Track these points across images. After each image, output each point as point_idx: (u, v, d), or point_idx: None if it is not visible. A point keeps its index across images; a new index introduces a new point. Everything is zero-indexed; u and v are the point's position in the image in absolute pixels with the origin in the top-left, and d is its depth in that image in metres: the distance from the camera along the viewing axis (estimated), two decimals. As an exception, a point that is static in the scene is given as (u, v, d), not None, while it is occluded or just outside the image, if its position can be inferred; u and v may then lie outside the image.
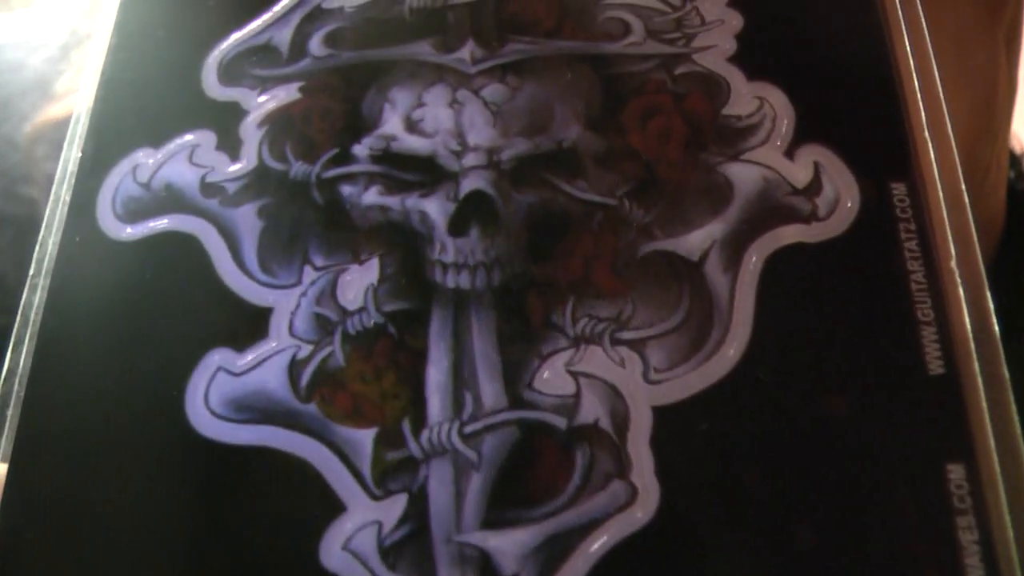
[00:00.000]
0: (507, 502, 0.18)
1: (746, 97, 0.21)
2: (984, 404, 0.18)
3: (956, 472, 0.17)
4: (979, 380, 0.18)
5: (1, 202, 0.52)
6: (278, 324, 0.19)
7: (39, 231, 0.54)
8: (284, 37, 0.23)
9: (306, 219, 0.20)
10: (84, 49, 0.55)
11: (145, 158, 0.22)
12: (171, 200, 0.21)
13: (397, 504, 0.18)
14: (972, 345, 0.18)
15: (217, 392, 0.19)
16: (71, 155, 0.22)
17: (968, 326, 0.19)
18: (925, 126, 0.20)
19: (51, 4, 0.62)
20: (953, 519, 0.17)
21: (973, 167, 0.35)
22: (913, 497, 0.17)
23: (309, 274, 0.20)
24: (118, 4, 0.23)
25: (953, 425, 0.18)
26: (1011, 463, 0.18)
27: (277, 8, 0.23)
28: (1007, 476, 0.17)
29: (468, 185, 0.20)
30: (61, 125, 0.55)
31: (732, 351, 0.18)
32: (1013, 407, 0.18)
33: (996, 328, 0.19)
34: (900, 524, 0.17)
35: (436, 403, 0.18)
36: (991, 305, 0.19)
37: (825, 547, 0.17)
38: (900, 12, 0.21)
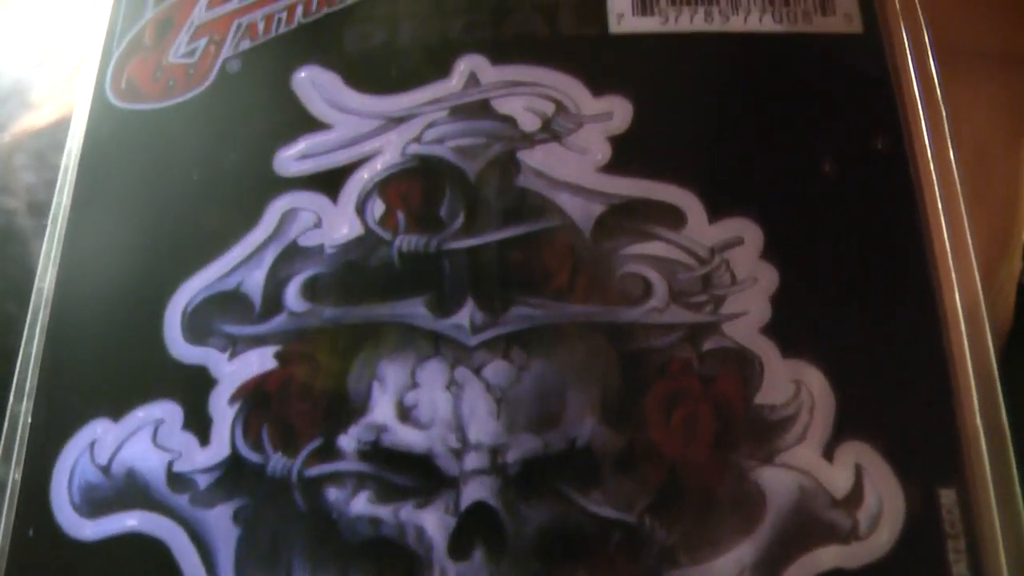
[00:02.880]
0: None
1: (781, 380, 0.19)
2: None
3: None
4: None
5: None
6: (260, 664, 0.18)
7: (17, 243, 0.52)
8: (256, 282, 0.20)
9: (289, 529, 0.18)
10: (61, 55, 0.52)
11: (104, 433, 0.20)
12: (135, 493, 0.19)
13: None
14: None
15: None
16: (19, 416, 0.20)
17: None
18: (979, 421, 0.19)
19: (26, 10, 0.58)
20: None
21: (991, 281, 0.34)
22: None
23: (294, 600, 0.18)
24: (63, 222, 0.21)
25: None
26: None
27: (248, 242, 0.21)
28: None
29: (470, 496, 0.18)
30: (40, 134, 0.53)
31: None
32: None
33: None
34: None
35: None
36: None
37: None
38: (955, 278, 0.19)
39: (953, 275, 0.20)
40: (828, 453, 0.19)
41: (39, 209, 0.53)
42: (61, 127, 0.57)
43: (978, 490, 0.19)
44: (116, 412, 0.20)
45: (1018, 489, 0.19)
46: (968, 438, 0.19)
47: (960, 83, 0.30)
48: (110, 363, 0.20)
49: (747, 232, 0.20)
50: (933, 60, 0.21)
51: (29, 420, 0.20)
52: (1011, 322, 0.39)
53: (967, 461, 0.19)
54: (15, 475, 0.20)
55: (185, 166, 0.22)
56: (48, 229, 0.22)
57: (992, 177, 0.32)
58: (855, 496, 0.18)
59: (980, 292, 0.19)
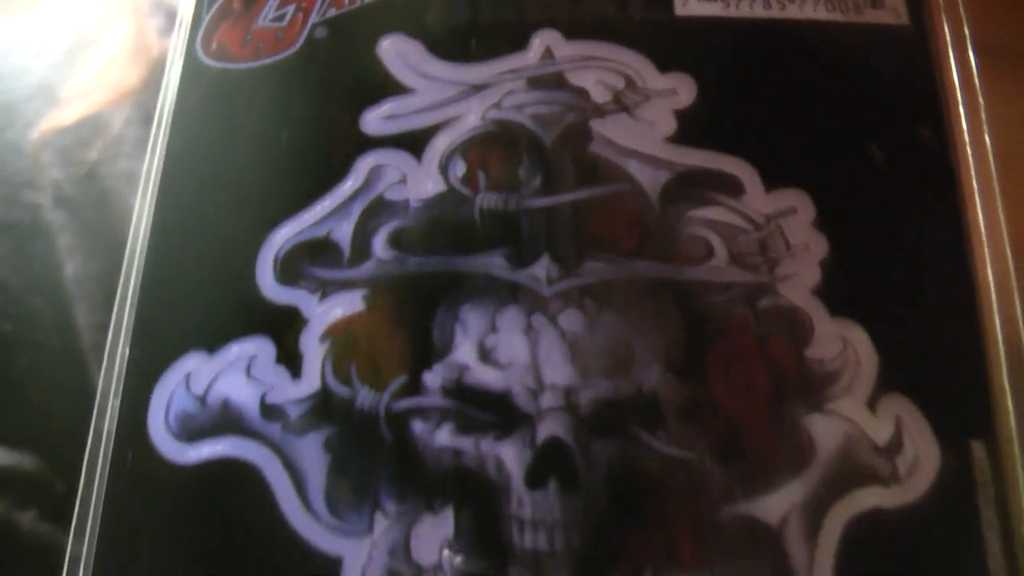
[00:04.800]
0: None
1: (830, 338, 0.21)
2: None
3: None
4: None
5: (6, 208, 0.51)
6: (350, 578, 0.20)
7: (43, 238, 0.53)
8: (345, 232, 0.22)
9: (376, 458, 0.20)
10: (90, 53, 0.54)
11: (199, 365, 0.21)
12: (230, 421, 0.21)
13: None
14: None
15: (288, 651, 0.19)
16: (118, 349, 0.22)
17: (1040, 602, 0.20)
18: (1007, 380, 0.21)
19: (55, 7, 0.60)
20: None
21: (1022, 261, 0.36)
22: None
23: (380, 522, 0.20)
24: (157, 172, 0.23)
25: None
26: None
27: (336, 195, 0.22)
28: None
29: (546, 431, 0.20)
30: (66, 131, 0.55)
31: (811, 633, 0.19)
32: None
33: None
34: None
35: None
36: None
37: None
38: (987, 251, 0.22)
39: (986, 250, 0.22)
40: (871, 405, 0.21)
41: (65, 204, 0.55)
42: (87, 124, 0.58)
43: (1006, 443, 0.21)
44: (211, 347, 0.22)
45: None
46: (996, 397, 0.21)
47: (997, 79, 0.32)
48: (205, 304, 0.22)
49: (800, 203, 0.22)
50: (973, 53, 0.23)
51: (127, 353, 0.22)
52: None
53: (996, 417, 0.21)
54: (114, 403, 0.21)
55: (275, 122, 0.24)
56: (141, 185, 0.24)
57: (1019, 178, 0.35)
58: (895, 444, 0.21)
59: (1011, 266, 0.22)
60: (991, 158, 0.22)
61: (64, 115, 0.54)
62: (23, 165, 0.54)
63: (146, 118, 0.57)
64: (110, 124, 0.56)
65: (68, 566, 0.21)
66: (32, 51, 0.58)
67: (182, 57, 0.24)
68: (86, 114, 0.55)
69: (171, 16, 0.59)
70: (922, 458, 0.21)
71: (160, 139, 0.23)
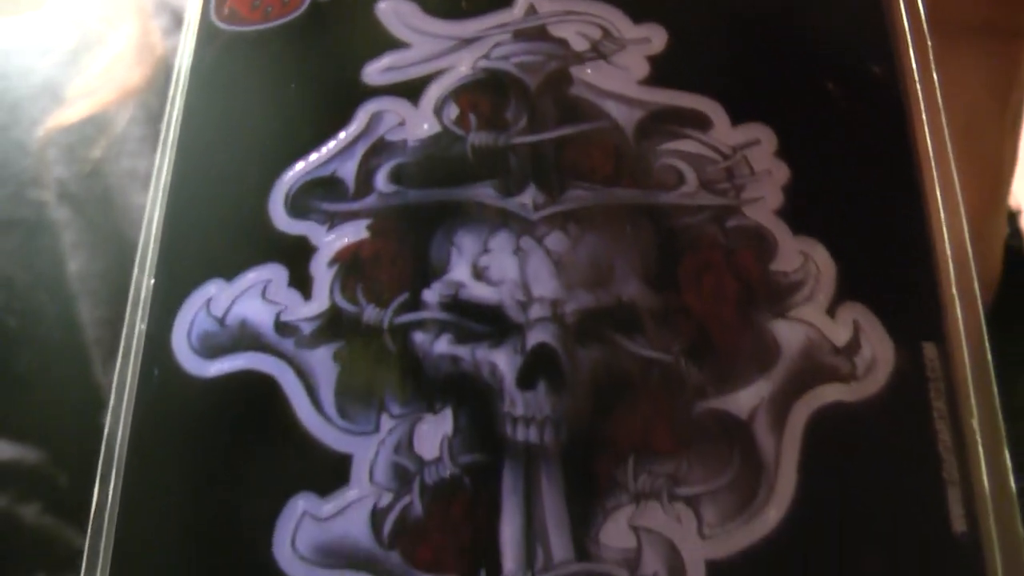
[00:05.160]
0: (577, 653, 0.20)
1: (792, 253, 0.23)
2: (999, 561, 0.21)
3: (975, 625, 0.20)
4: (995, 538, 0.21)
5: (11, 206, 0.53)
6: (359, 472, 0.22)
7: (47, 235, 0.55)
8: (349, 170, 0.24)
9: (381, 366, 0.22)
10: (94, 53, 0.56)
11: (218, 291, 0.24)
12: (247, 338, 0.23)
13: (476, 651, 0.20)
14: (990, 504, 0.21)
15: (303, 537, 0.21)
16: (143, 281, 0.24)
17: (987, 485, 0.22)
18: (955, 289, 0.23)
19: (60, 7, 0.62)
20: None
21: (979, 238, 0.38)
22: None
23: (386, 422, 0.22)
24: (176, 125, 0.25)
25: (973, 582, 0.21)
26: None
27: (340, 138, 0.25)
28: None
29: (534, 338, 0.22)
30: (71, 130, 0.57)
31: (775, 511, 0.21)
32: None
33: (1013, 487, 0.22)
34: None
35: (510, 556, 0.21)
36: (1008, 463, 0.22)
37: None
38: (935, 172, 0.24)
39: (934, 171, 0.24)
40: (831, 311, 0.23)
41: (69, 201, 0.57)
42: (91, 123, 0.60)
43: (954, 344, 0.23)
44: (229, 275, 0.24)
45: (987, 345, 0.23)
46: (946, 303, 0.23)
47: (951, 53, 0.35)
48: (223, 238, 0.24)
49: (763, 135, 0.24)
50: (923, 5, 0.25)
51: (152, 282, 0.24)
52: (999, 277, 0.43)
53: (946, 321, 0.23)
54: (140, 327, 0.24)
55: (283, 77, 0.26)
56: (162, 136, 0.26)
57: (982, 141, 0.37)
58: (853, 345, 0.23)
59: (956, 184, 0.24)
60: (937, 90, 0.25)
61: (69, 114, 0.56)
62: (28, 163, 0.56)
63: (150, 117, 0.58)
64: (114, 123, 0.58)
65: (100, 479, 0.23)
66: (37, 50, 0.60)
67: (197, 22, 0.26)
68: (90, 113, 0.57)
69: (175, 16, 0.61)
70: (878, 358, 0.23)
71: (178, 96, 0.26)
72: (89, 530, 0.22)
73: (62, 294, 0.54)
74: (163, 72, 0.59)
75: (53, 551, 0.53)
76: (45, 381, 0.54)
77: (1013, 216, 0.46)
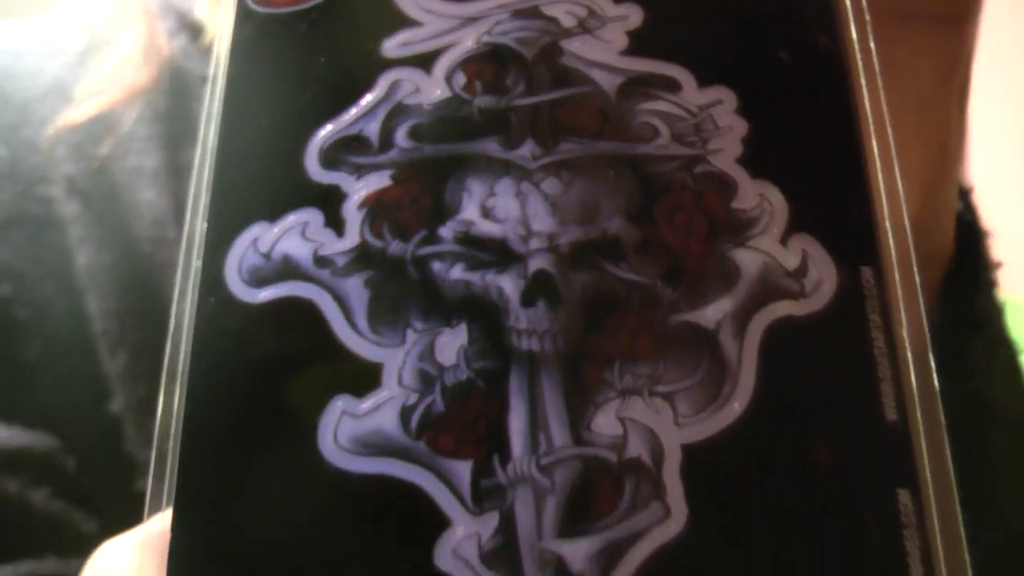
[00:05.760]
0: (575, 518, 0.25)
1: (750, 193, 0.28)
2: (924, 444, 0.25)
3: (904, 496, 0.25)
4: (921, 425, 0.26)
5: (21, 202, 0.55)
6: (389, 377, 0.26)
7: (56, 230, 0.58)
8: (373, 129, 0.29)
9: (405, 291, 0.27)
10: (102, 54, 0.59)
11: (263, 232, 0.28)
12: (290, 269, 0.27)
13: (491, 520, 0.25)
14: (917, 398, 0.26)
15: (343, 432, 0.25)
16: (196, 226, 0.28)
17: (914, 381, 0.26)
18: (888, 222, 0.28)
19: (69, 9, 0.64)
20: (901, 531, 0.25)
21: (929, 207, 0.43)
22: (874, 514, 0.25)
23: (411, 336, 0.26)
24: (220, 95, 0.29)
25: (904, 460, 0.25)
26: (944, 490, 0.25)
27: (364, 103, 0.29)
28: (940, 498, 0.25)
29: (534, 265, 0.27)
30: (79, 128, 0.60)
31: (738, 404, 0.26)
32: (947, 447, 0.26)
33: (936, 382, 0.26)
34: (864, 533, 0.25)
35: (518, 443, 0.25)
36: (932, 364, 0.26)
37: (810, 556, 0.24)
38: (872, 130, 0.28)
39: (871, 124, 0.28)
40: (783, 241, 0.27)
41: (78, 196, 0.60)
42: (98, 122, 0.63)
43: (887, 268, 0.27)
44: (272, 217, 0.28)
45: (915, 268, 0.27)
46: (880, 233, 0.28)
47: (900, 39, 0.39)
48: (266, 188, 0.28)
49: (725, 96, 0.29)
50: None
51: (205, 225, 0.28)
52: (951, 251, 0.48)
53: (880, 249, 0.27)
54: (196, 263, 0.28)
55: (313, 53, 0.30)
56: (206, 106, 0.30)
57: (930, 118, 0.42)
58: (802, 269, 0.27)
59: (890, 136, 0.28)
60: (874, 57, 0.29)
61: (77, 113, 0.59)
62: (37, 161, 0.58)
63: (156, 116, 0.61)
64: (121, 122, 0.60)
65: (164, 393, 0.27)
66: (47, 52, 0.63)
67: (234, 6, 0.31)
68: (98, 112, 0.60)
69: (180, 18, 0.64)
70: (823, 279, 0.27)
71: (220, 71, 0.30)
72: (156, 437, 0.26)
73: (70, 287, 0.56)
74: (169, 72, 0.62)
75: (62, 535, 0.55)
76: (54, 370, 0.56)
77: (966, 193, 0.50)
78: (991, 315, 0.48)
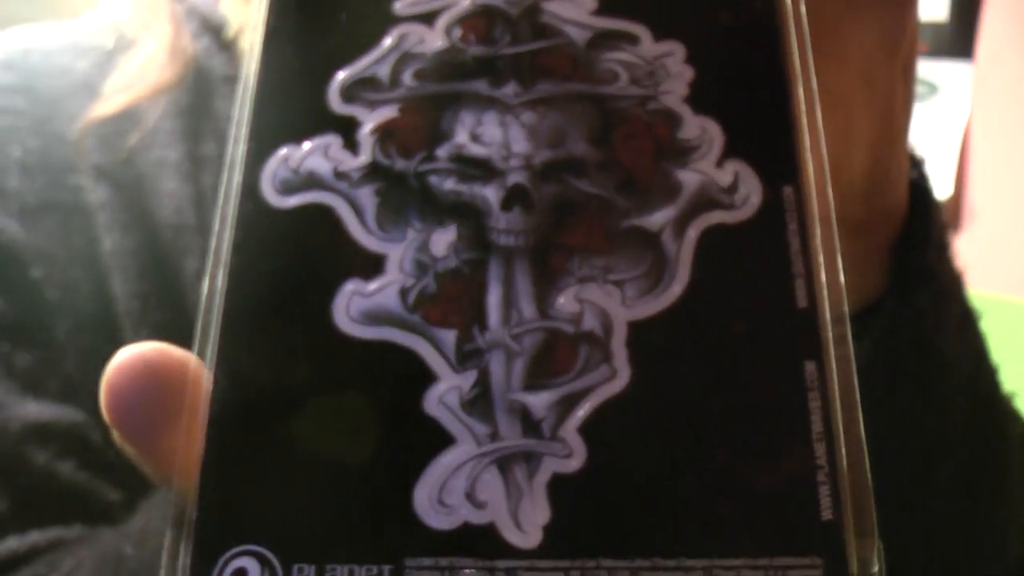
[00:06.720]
0: (538, 376, 0.31)
1: (693, 126, 0.34)
2: (829, 326, 0.31)
3: (810, 366, 0.31)
4: (827, 311, 0.31)
5: (52, 190, 0.61)
6: (392, 265, 0.32)
7: (84, 216, 0.64)
8: (385, 71, 0.35)
9: (407, 198, 0.33)
10: (130, 54, 0.65)
11: (291, 151, 0.34)
12: (314, 181, 0.34)
13: (471, 376, 0.31)
14: (825, 288, 0.32)
15: (353, 307, 0.32)
16: (237, 150, 0.34)
17: (823, 277, 0.32)
18: (808, 150, 0.33)
19: (99, 13, 0.70)
20: (806, 394, 0.30)
21: (877, 166, 0.49)
22: (785, 379, 0.31)
23: (411, 233, 0.32)
24: (258, 49, 0.36)
25: (811, 339, 0.31)
26: (844, 363, 0.31)
27: (377, 52, 0.35)
28: (840, 370, 0.31)
29: (512, 179, 0.33)
30: (108, 122, 0.66)
31: (677, 288, 0.31)
32: (849, 333, 0.31)
33: (842, 278, 0.32)
34: (776, 393, 0.30)
35: (494, 316, 0.31)
36: (839, 263, 0.32)
37: (731, 411, 0.30)
38: (799, 75, 0.34)
39: (798, 70, 0.34)
40: (719, 164, 0.33)
41: (106, 183, 0.66)
42: (125, 117, 0.70)
43: (806, 187, 0.33)
44: (298, 140, 0.34)
45: (829, 188, 0.33)
46: (801, 158, 0.33)
47: (849, 17, 0.45)
48: (293, 118, 0.35)
49: (675, 48, 0.35)
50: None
51: (245, 148, 0.34)
52: (905, 213, 0.53)
53: (800, 171, 0.33)
54: (236, 180, 0.34)
55: (334, 13, 0.37)
56: (245, 60, 0.36)
57: (877, 87, 0.47)
58: (733, 186, 0.33)
59: (812, 81, 0.34)
60: (803, 15, 0.35)
61: (105, 107, 0.65)
62: (68, 152, 0.64)
63: (179, 112, 0.67)
64: (146, 116, 0.66)
65: (209, 278, 0.33)
66: (77, 52, 0.69)
67: None
68: (125, 107, 0.66)
69: (204, 21, 0.71)
70: (751, 195, 0.33)
71: (260, 22, 0.36)
72: (201, 313, 0.32)
73: (97, 270, 0.61)
74: (192, 71, 0.68)
75: (88, 505, 0.60)
76: (81, 348, 0.60)
77: (919, 163, 0.56)
78: (943, 273, 0.54)
